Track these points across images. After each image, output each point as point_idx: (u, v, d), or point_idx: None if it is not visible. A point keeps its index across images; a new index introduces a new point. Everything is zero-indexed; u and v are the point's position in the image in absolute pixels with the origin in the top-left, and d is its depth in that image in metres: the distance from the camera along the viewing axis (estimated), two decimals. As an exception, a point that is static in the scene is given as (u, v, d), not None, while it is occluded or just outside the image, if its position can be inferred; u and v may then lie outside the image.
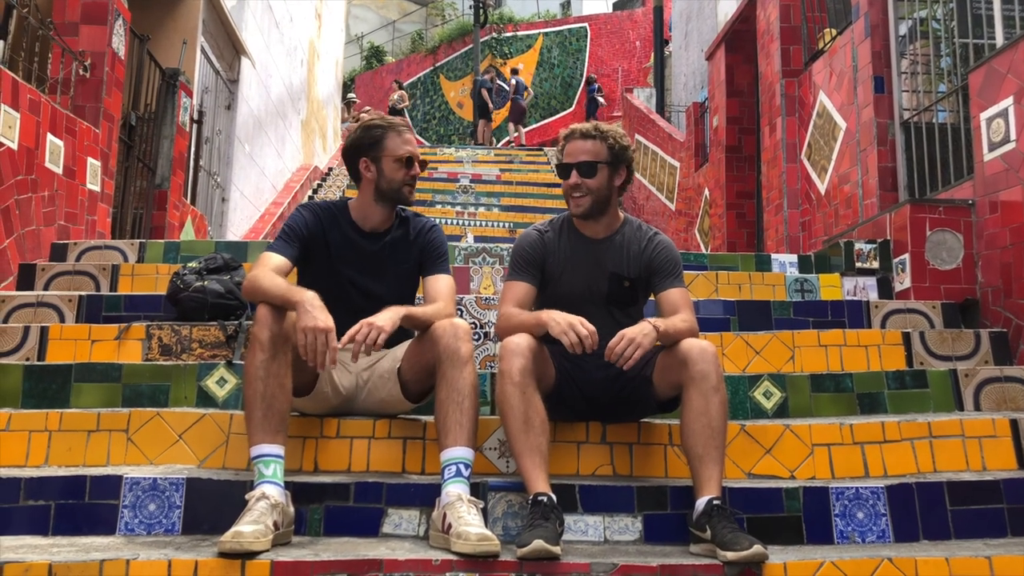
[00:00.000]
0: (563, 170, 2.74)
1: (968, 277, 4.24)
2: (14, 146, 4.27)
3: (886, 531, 2.49)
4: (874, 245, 4.63)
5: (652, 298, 2.84)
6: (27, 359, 3.37)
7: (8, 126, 4.20)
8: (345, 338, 2.39)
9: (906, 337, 3.73)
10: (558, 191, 10.86)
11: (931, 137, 5.14)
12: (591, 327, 2.43)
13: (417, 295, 2.99)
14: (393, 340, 2.83)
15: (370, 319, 2.44)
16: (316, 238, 2.74)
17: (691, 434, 2.38)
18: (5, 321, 3.75)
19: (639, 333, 2.43)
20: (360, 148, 2.78)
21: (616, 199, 2.80)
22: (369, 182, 2.78)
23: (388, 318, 2.46)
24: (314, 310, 2.35)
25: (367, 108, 18.38)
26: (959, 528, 2.52)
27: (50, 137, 4.68)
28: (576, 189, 2.70)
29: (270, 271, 2.54)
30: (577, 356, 2.67)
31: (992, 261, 4.09)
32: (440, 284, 2.79)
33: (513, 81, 18.50)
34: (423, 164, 2.79)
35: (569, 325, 2.44)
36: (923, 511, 2.52)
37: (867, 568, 2.18)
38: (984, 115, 4.12)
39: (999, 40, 4.58)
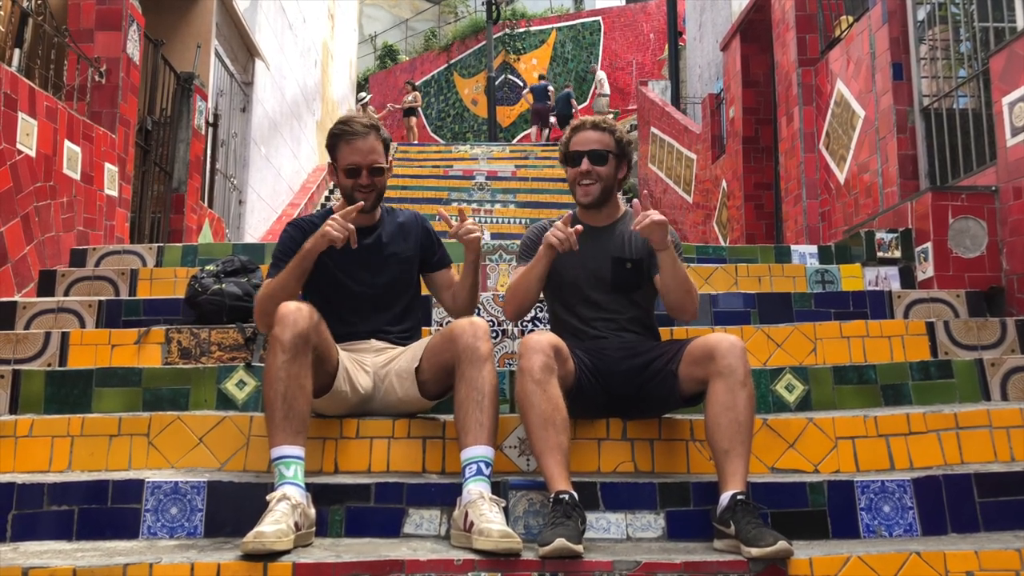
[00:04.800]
0: (573, 158, 2.82)
1: (993, 265, 4.18)
2: (32, 153, 4.30)
3: (913, 524, 2.45)
4: (895, 234, 4.57)
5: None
6: (49, 365, 3.40)
7: (26, 134, 4.23)
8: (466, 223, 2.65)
9: (930, 327, 3.68)
10: (574, 186, 10.80)
11: (952, 123, 5.06)
12: (567, 230, 2.58)
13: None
14: (409, 338, 2.86)
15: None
16: None
17: (717, 428, 2.36)
18: (27, 327, 3.78)
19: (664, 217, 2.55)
20: (329, 154, 2.86)
21: (617, 190, 2.91)
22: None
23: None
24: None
25: (389, 105, 18.44)
26: (988, 520, 2.48)
27: (67, 144, 4.72)
28: (586, 176, 2.79)
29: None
30: (600, 348, 2.68)
31: (1017, 248, 4.03)
32: (454, 272, 2.96)
33: (527, 90, 18.51)
34: (376, 171, 2.75)
35: (552, 233, 2.60)
36: (951, 503, 2.48)
37: (895, 562, 2.15)
38: (1006, 100, 4.06)
39: (1019, 23, 4.50)
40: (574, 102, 17.84)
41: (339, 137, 2.75)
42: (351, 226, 2.52)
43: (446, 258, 2.98)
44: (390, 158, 2.85)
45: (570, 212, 2.93)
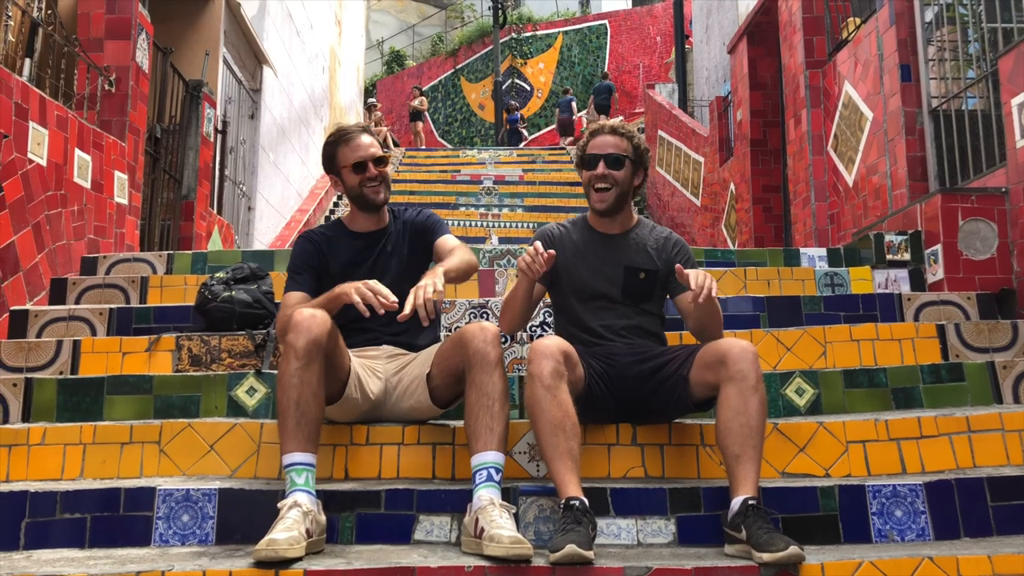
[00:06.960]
0: (590, 161, 2.79)
1: (1003, 267, 4.16)
2: (43, 162, 4.33)
3: (925, 529, 2.44)
4: (905, 236, 4.55)
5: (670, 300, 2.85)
6: (60, 373, 3.42)
7: (37, 143, 4.26)
8: (407, 311, 2.34)
9: (941, 329, 3.66)
10: (582, 190, 10.81)
11: (961, 125, 5.04)
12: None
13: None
14: (422, 344, 2.86)
15: (417, 286, 2.40)
16: (321, 265, 2.82)
17: (728, 433, 2.36)
18: (38, 335, 3.80)
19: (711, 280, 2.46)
20: (326, 168, 2.90)
21: (631, 198, 2.87)
22: (345, 195, 2.90)
23: (433, 274, 2.47)
24: (352, 283, 2.45)
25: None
26: (1001, 524, 2.46)
27: (78, 152, 4.75)
28: (602, 180, 2.77)
29: (297, 305, 2.62)
30: (609, 354, 2.67)
31: (1027, 249, 4.01)
32: (447, 241, 2.86)
33: (555, 108, 19.24)
34: (380, 160, 2.81)
35: (522, 257, 2.51)
36: (963, 507, 2.47)
37: (907, 568, 2.14)
38: (1015, 101, 4.04)
39: (1029, 24, 4.49)
40: (579, 119, 18.29)
41: (336, 143, 2.83)
42: (380, 299, 2.38)
43: (436, 234, 2.91)
44: (388, 152, 2.87)
45: (580, 216, 2.95)
